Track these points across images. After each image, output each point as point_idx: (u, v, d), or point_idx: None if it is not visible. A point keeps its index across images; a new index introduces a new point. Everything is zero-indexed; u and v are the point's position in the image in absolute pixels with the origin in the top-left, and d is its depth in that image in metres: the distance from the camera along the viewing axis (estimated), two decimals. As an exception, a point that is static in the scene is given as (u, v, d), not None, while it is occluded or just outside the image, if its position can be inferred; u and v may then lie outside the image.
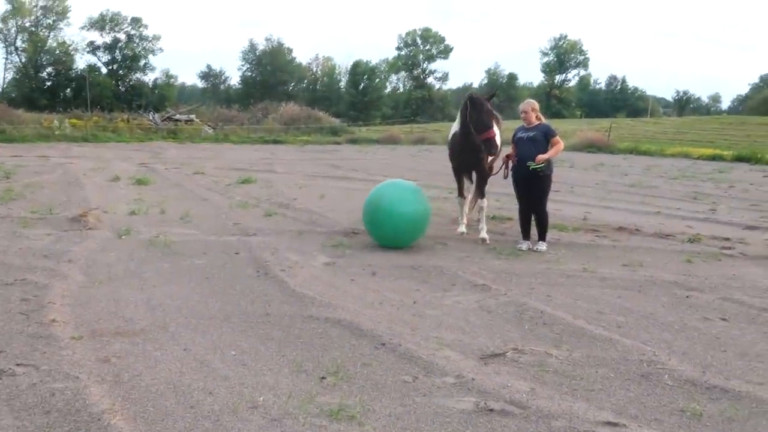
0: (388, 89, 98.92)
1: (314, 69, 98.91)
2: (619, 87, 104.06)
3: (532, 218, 8.10)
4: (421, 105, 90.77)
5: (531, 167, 7.62)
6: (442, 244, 8.28)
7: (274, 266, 6.80)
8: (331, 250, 7.69)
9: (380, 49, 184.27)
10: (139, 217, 9.71)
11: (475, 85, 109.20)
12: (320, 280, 6.36)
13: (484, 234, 8.44)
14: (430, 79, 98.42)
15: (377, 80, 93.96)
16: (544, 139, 7.74)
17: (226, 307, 5.43)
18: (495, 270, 6.94)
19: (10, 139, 28.70)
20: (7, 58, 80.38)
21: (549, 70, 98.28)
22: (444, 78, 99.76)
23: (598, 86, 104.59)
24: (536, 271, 6.91)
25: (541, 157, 7.60)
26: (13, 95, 73.09)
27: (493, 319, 5.26)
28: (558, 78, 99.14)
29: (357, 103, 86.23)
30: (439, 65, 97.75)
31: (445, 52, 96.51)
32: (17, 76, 79.48)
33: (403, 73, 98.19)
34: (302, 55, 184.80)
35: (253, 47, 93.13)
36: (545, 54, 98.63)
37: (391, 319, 5.15)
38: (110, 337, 4.64)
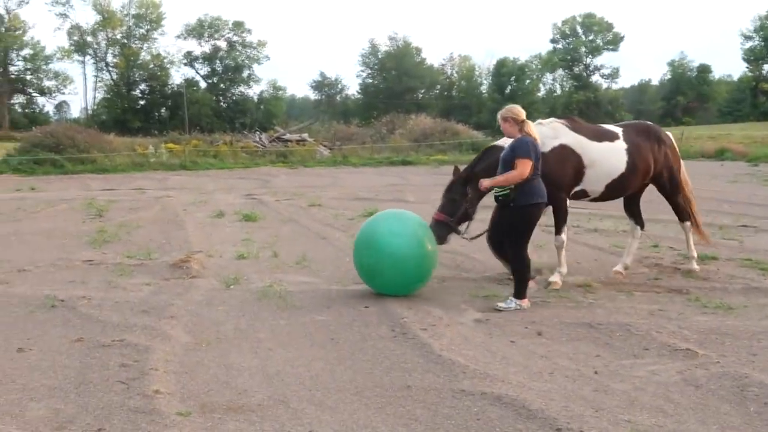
0: (543, 91, 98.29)
1: (449, 71, 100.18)
2: None
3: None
4: (585, 109, 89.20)
5: (495, 194, 7.49)
6: (626, 293, 7.98)
7: (413, 324, 6.80)
8: (483, 303, 7.60)
9: (530, 44, 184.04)
10: (248, 262, 10.08)
11: (654, 81, 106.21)
12: (471, 342, 6.29)
13: (553, 277, 8.47)
14: (595, 77, 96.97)
15: (528, 81, 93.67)
16: (511, 159, 7.34)
17: (356, 377, 5.46)
18: (700, 329, 6.57)
19: (102, 170, 30.98)
20: (96, 76, 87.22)
21: (754, 57, 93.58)
22: (613, 75, 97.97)
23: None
24: (757, 331, 6.48)
25: (484, 182, 7.60)
26: (104, 117, 79.27)
27: (704, 397, 4.96)
28: (766, 68, 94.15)
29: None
30: (606, 59, 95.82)
31: (614, 42, 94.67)
32: (108, 96, 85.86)
33: (560, 71, 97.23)
34: (433, 55, 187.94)
35: (374, 49, 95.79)
36: (748, 38, 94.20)
37: (567, 396, 4.97)
38: (222, 413, 4.79)
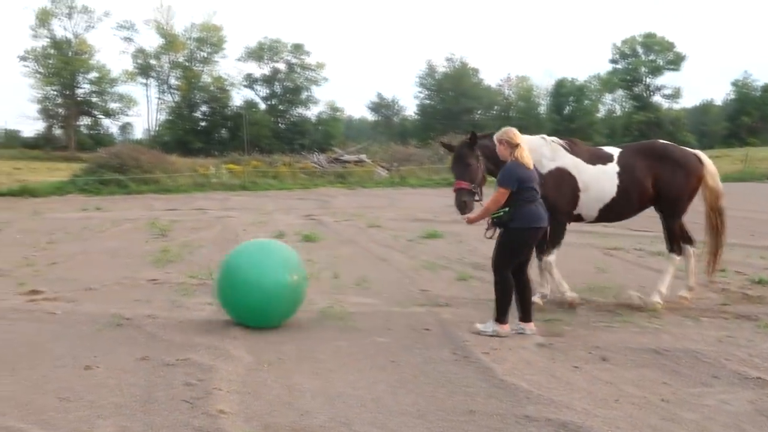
0: (602, 112, 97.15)
1: (507, 92, 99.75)
2: None
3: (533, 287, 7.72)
4: (646, 130, 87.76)
5: (491, 216, 7.37)
6: (693, 319, 7.80)
7: (475, 347, 6.76)
8: (546, 327, 7.50)
9: (589, 64, 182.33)
10: (309, 283, 10.11)
11: (718, 101, 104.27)
12: (534, 366, 6.21)
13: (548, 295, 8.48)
14: (656, 98, 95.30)
15: (587, 102, 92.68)
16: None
17: (419, 400, 5.44)
18: (772, 356, 6.39)
19: (165, 190, 31.62)
20: (159, 98, 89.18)
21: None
22: (675, 95, 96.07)
23: None
24: (833, 359, 6.27)
25: (470, 217, 7.69)
26: (166, 138, 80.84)
27: (778, 428, 4.80)
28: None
29: (562, 130, 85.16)
30: (667, 79, 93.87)
31: (676, 62, 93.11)
32: (170, 117, 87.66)
33: (620, 92, 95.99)
34: (491, 76, 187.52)
35: (431, 70, 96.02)
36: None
37: (634, 424, 4.87)
38: (285, 434, 4.81)
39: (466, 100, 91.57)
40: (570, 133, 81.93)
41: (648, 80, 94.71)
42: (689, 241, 8.73)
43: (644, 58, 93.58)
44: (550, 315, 7.98)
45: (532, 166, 7.31)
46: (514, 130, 7.48)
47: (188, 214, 21.41)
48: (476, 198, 7.98)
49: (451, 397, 5.49)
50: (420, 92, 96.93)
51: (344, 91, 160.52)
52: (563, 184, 8.22)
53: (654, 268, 10.77)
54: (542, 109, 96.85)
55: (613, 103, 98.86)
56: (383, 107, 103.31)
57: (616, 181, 8.36)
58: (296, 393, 5.63)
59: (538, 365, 6.25)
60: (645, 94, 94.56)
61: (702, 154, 8.76)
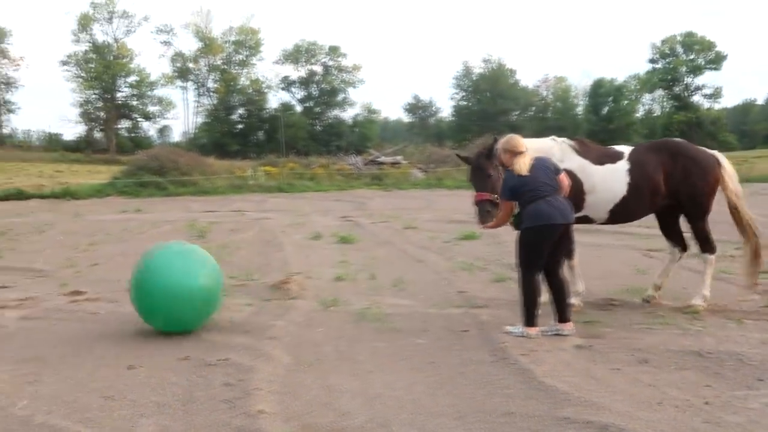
0: (641, 112, 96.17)
1: (544, 93, 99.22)
2: None
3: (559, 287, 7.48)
4: (687, 130, 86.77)
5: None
6: (735, 321, 7.68)
7: (514, 349, 6.72)
8: (585, 329, 7.44)
9: (627, 64, 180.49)
10: (346, 284, 10.19)
11: (760, 101, 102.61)
12: (573, 368, 6.17)
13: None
14: (696, 97, 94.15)
15: (626, 102, 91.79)
16: None
17: (457, 401, 5.43)
18: (818, 360, 6.27)
19: (203, 192, 31.93)
20: (197, 101, 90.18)
21: None
22: (716, 95, 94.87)
23: None
24: None
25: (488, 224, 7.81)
26: (204, 141, 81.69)
27: (825, 433, 4.72)
28: None
29: (600, 131, 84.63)
30: (708, 79, 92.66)
31: (716, 61, 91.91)
32: (208, 120, 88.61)
33: (659, 92, 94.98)
34: (528, 76, 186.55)
35: (467, 72, 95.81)
36: None
37: (677, 427, 4.81)
38: (324, 434, 4.84)
39: (502, 101, 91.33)
40: (608, 133, 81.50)
41: (688, 80, 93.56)
42: (682, 245, 8.69)
43: (684, 58, 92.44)
44: (589, 317, 7.91)
45: (525, 171, 7.20)
46: (518, 138, 7.47)
47: (226, 216, 21.60)
48: (499, 208, 7.94)
49: (490, 398, 5.48)
50: (456, 93, 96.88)
51: (380, 92, 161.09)
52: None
53: (696, 269, 10.63)
54: (580, 109, 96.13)
55: (652, 103, 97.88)
56: (419, 109, 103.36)
57: (626, 179, 8.17)
58: (335, 394, 5.65)
59: (577, 367, 6.21)
60: (685, 94, 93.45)
61: (720, 156, 8.55)
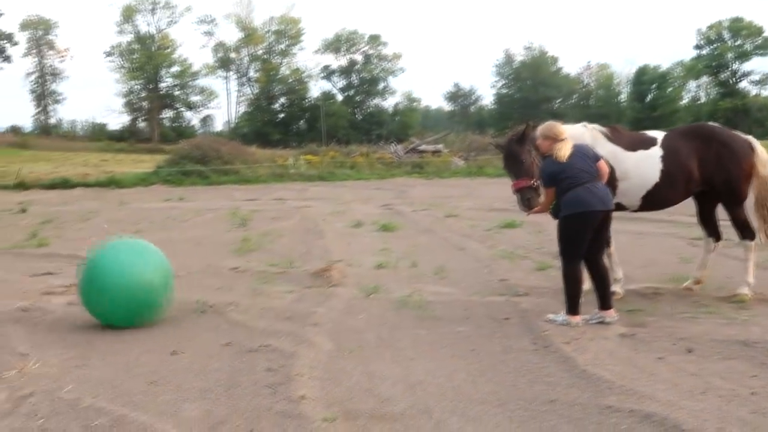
0: (686, 99, 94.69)
1: (586, 80, 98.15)
2: None
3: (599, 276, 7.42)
4: (733, 118, 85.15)
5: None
6: (783, 310, 7.55)
7: (556, 337, 6.69)
8: (628, 317, 7.37)
9: (672, 50, 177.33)
10: (387, 272, 10.21)
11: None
12: (617, 357, 6.12)
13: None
14: (743, 84, 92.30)
15: (670, 89, 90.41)
16: None
17: (498, 389, 5.42)
18: None
19: (245, 180, 32.17)
20: (239, 90, 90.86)
21: None
22: (763, 81, 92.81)
23: None
24: None
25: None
26: (245, 130, 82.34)
27: None
28: None
29: (644, 119, 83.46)
30: (755, 64, 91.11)
31: (764, 46, 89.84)
32: (249, 109, 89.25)
33: (705, 78, 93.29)
34: (570, 64, 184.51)
35: (509, 59, 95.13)
36: None
37: (721, 417, 4.75)
38: (366, 420, 4.87)
39: (544, 89, 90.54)
40: (652, 121, 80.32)
41: (735, 66, 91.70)
42: (716, 234, 8.50)
43: (731, 44, 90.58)
44: (633, 305, 7.82)
45: (566, 157, 7.11)
46: (559, 125, 7.39)
47: (268, 204, 21.74)
48: (539, 193, 7.86)
49: (532, 386, 5.46)
50: (497, 81, 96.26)
51: (421, 81, 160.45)
52: None
53: (741, 258, 10.47)
54: (623, 97, 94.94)
55: (697, 90, 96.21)
56: (460, 97, 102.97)
57: (659, 166, 8.00)
58: (376, 380, 5.68)
59: (620, 356, 6.15)
60: (731, 81, 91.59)
61: (754, 141, 8.31)
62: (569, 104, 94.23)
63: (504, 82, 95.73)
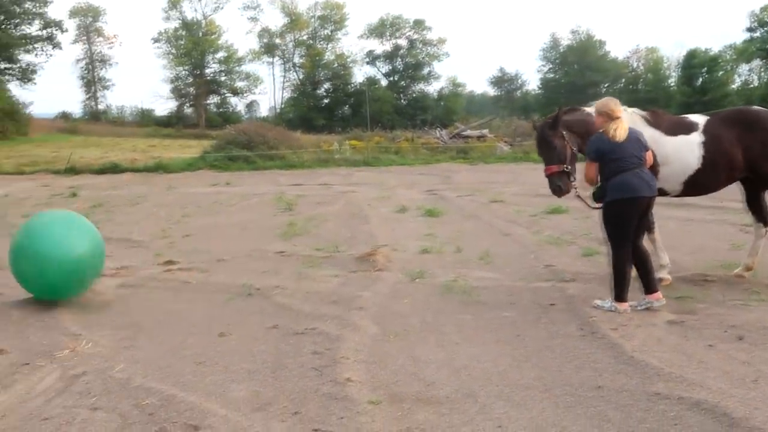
0: (737, 83, 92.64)
1: (634, 64, 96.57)
2: None
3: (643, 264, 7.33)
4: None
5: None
6: (838, 298, 7.38)
7: (603, 323, 6.63)
8: (677, 304, 7.27)
9: (723, 33, 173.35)
10: (432, 257, 10.20)
11: None
12: (665, 344, 6.04)
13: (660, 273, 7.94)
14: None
15: (721, 73, 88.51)
16: None
17: (544, 374, 5.40)
18: None
19: (290, 165, 32.34)
20: (284, 76, 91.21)
21: None
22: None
23: None
24: None
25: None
26: (290, 115, 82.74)
27: None
28: None
29: (694, 103, 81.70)
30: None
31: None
32: (294, 95, 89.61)
33: (757, 62, 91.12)
34: (618, 47, 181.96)
35: (555, 43, 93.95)
36: None
37: (774, 405, 4.67)
38: (411, 403, 4.89)
39: (591, 74, 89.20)
40: (702, 105, 78.77)
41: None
42: (765, 220, 8.27)
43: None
44: (682, 292, 7.71)
45: (621, 138, 7.00)
46: (615, 102, 7.28)
47: (313, 189, 21.83)
48: (571, 179, 7.81)
49: (578, 372, 5.42)
50: (543, 66, 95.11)
51: (466, 66, 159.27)
52: None
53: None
54: (672, 81, 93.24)
55: (749, 74, 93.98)
56: (505, 82, 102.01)
57: (700, 152, 7.84)
58: (421, 364, 5.69)
59: (669, 342, 6.08)
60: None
61: None
62: (617, 89, 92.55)
63: (550, 66, 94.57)
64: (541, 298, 7.70)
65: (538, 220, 13.71)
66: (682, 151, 7.88)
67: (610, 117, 7.10)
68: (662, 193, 8.07)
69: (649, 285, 7.17)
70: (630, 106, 8.41)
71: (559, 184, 7.78)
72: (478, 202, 17.23)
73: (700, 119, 8.18)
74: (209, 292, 8.34)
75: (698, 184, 8.07)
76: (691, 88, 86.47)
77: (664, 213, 14.12)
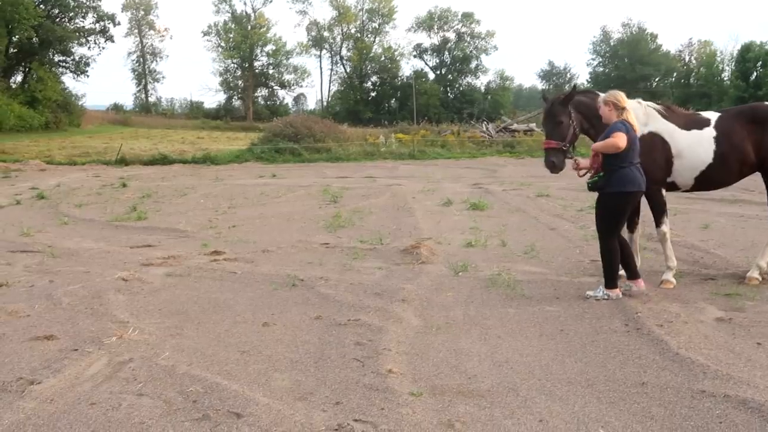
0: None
1: (687, 58, 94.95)
2: None
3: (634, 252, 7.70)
4: None
5: (587, 182, 7.44)
6: None
7: (648, 319, 6.55)
8: (725, 301, 7.16)
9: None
10: (476, 250, 10.17)
11: None
12: (712, 341, 5.95)
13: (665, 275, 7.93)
14: None
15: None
16: (607, 137, 7.08)
17: (588, 369, 5.36)
18: None
19: (336, 158, 32.51)
20: (332, 69, 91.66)
21: None
22: None
23: None
24: None
25: (581, 161, 7.54)
26: (337, 108, 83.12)
27: None
28: None
29: (748, 98, 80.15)
30: None
31: None
32: (341, 88, 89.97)
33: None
34: (670, 41, 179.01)
35: (606, 37, 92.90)
36: None
37: (823, 405, 4.57)
38: (452, 396, 4.88)
39: (642, 67, 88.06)
40: (757, 101, 76.89)
41: None
42: None
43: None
44: (731, 290, 7.58)
45: (638, 131, 7.25)
46: (622, 94, 7.34)
47: (358, 182, 21.92)
48: (568, 156, 7.87)
49: (622, 368, 5.37)
50: (593, 59, 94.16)
51: (514, 59, 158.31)
52: (655, 150, 7.76)
53: None
54: (726, 75, 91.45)
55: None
56: (554, 75, 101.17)
57: (712, 147, 7.79)
58: (463, 357, 5.69)
59: (716, 340, 5.98)
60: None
61: None
62: (668, 83, 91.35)
63: (600, 60, 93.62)
64: (586, 293, 7.62)
65: (585, 215, 13.55)
66: (694, 146, 7.87)
67: (616, 107, 7.19)
68: (674, 187, 8.10)
69: (632, 271, 7.44)
70: (683, 101, 8.35)
71: (553, 160, 7.85)
72: (524, 196, 17.13)
73: (712, 115, 8.16)
74: (254, 283, 8.43)
75: (710, 179, 8.04)
76: (745, 83, 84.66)
77: (715, 209, 13.92)
